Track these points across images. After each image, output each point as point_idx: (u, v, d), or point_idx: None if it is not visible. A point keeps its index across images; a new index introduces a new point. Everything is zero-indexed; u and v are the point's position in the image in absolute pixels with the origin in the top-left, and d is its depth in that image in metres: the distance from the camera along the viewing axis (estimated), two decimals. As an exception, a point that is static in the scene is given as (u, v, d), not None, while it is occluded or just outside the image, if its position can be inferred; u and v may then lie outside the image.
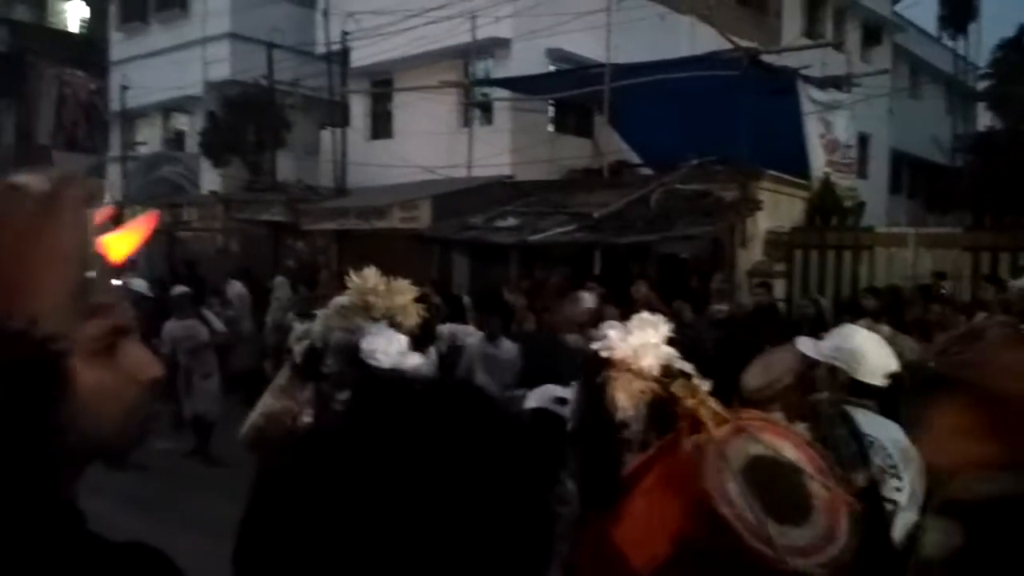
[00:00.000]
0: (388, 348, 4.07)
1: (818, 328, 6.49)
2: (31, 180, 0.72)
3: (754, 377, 5.17)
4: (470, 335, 8.79)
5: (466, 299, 9.91)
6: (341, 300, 5.21)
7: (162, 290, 9.85)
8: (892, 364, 2.53)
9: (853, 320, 7.11)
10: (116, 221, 0.82)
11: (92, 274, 0.73)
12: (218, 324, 9.05)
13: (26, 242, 0.68)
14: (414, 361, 4.48)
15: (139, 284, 11.54)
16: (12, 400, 0.65)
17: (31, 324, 0.66)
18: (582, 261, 11.45)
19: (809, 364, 4.61)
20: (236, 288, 11.81)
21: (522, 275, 12.11)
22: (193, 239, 18.08)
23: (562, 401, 2.66)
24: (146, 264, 17.31)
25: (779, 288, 11.18)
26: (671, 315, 7.75)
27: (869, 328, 5.67)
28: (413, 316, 5.36)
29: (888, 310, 7.70)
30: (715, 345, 7.09)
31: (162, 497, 6.43)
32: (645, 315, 2.07)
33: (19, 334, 0.65)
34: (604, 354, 2.00)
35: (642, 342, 1.99)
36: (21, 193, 0.71)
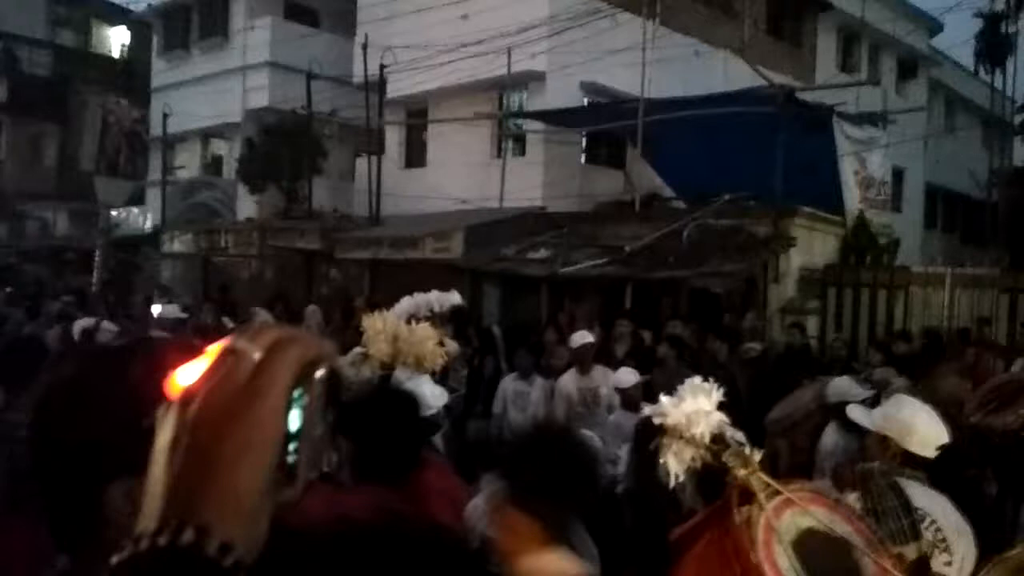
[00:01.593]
0: (432, 396, 4.14)
1: (848, 371, 6.48)
2: (243, 345, 0.56)
3: (773, 411, 5.21)
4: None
5: (496, 330, 9.92)
6: (360, 349, 5.25)
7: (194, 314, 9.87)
8: (943, 436, 2.52)
9: (883, 362, 7.09)
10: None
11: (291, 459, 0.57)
12: None
13: (219, 431, 0.54)
14: (443, 400, 4.57)
15: (171, 309, 11.69)
16: None
17: (204, 537, 0.52)
18: (613, 294, 11.45)
19: (823, 402, 4.63)
20: (263, 317, 11.68)
21: (553, 307, 12.13)
22: (228, 264, 18.33)
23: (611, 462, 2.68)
24: (181, 289, 17.61)
25: (812, 326, 11.10)
26: (706, 353, 7.75)
27: (893, 377, 5.66)
28: (438, 359, 5.40)
29: (925, 354, 7.62)
30: (748, 385, 7.08)
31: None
32: (697, 381, 2.10)
33: (188, 551, 0.51)
34: (656, 421, 2.03)
35: (694, 409, 2.02)
36: (225, 369, 0.56)
